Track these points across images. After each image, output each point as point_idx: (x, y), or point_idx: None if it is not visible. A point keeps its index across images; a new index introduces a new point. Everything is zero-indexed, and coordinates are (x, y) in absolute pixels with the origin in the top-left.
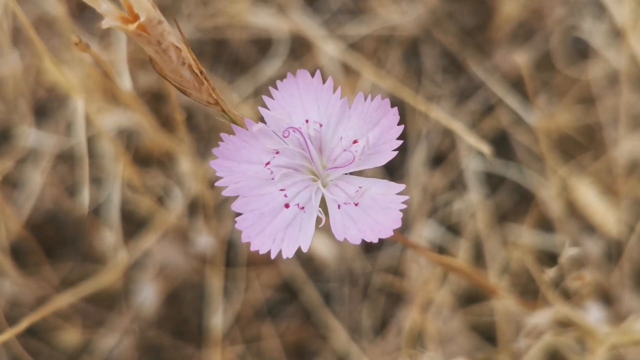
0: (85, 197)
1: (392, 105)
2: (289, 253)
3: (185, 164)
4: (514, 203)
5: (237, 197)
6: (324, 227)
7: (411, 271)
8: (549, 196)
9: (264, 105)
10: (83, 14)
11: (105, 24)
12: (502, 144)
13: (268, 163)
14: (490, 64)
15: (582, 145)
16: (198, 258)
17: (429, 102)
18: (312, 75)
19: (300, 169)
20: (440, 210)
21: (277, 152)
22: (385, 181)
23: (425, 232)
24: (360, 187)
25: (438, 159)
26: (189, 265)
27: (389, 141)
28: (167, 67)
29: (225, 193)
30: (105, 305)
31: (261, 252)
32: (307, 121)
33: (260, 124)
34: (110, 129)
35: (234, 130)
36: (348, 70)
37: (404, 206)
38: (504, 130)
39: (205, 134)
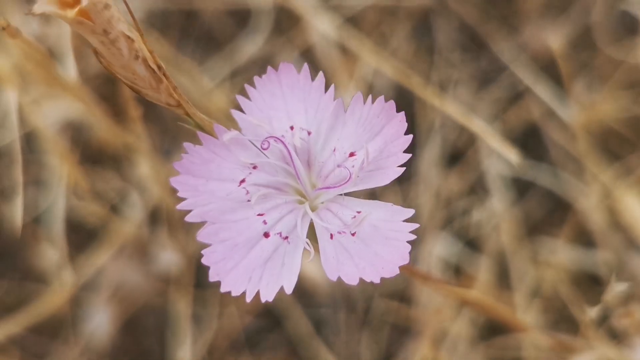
0: (18, 207)
1: (399, 101)
2: (268, 295)
3: (145, 165)
4: (546, 212)
5: (204, 223)
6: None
7: (421, 296)
8: (588, 206)
9: (238, 106)
10: None
11: (37, 8)
12: (532, 140)
13: (243, 181)
14: (518, 41)
15: (629, 141)
16: (161, 277)
17: (443, 89)
18: (298, 69)
19: (283, 188)
20: (456, 221)
21: (255, 167)
22: (389, 204)
23: (438, 248)
24: (358, 212)
25: (454, 158)
26: (149, 286)
27: (394, 154)
28: (117, 62)
29: (189, 218)
30: (48, 334)
31: (234, 294)
32: (292, 128)
33: (234, 132)
34: (53, 122)
35: (200, 139)
36: (344, 50)
37: (413, 237)
38: (534, 124)
39: (170, 126)
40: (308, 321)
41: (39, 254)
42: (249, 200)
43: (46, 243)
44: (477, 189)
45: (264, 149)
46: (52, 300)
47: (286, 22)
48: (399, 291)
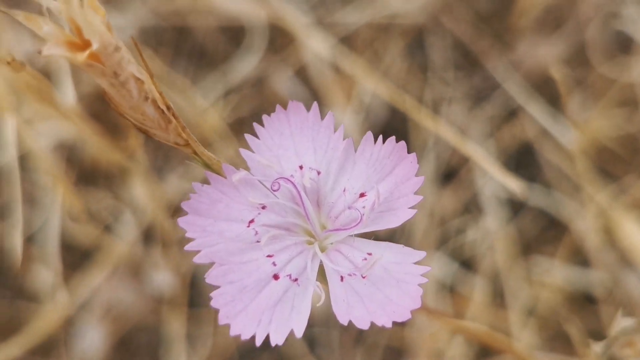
0: (17, 239)
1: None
2: (278, 339)
3: (139, 185)
4: (540, 230)
5: (212, 264)
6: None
7: (416, 317)
8: (583, 225)
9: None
10: None
11: (47, 51)
12: (525, 158)
13: (252, 221)
14: (511, 59)
15: (622, 159)
16: (154, 296)
17: (437, 107)
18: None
19: (292, 228)
20: (451, 241)
21: (264, 207)
22: (400, 246)
23: (433, 268)
24: (369, 254)
25: (448, 176)
26: (143, 304)
27: (405, 196)
28: (126, 103)
29: (197, 259)
30: (40, 353)
31: (243, 338)
32: (301, 167)
33: (242, 172)
34: (46, 141)
35: (208, 179)
36: (338, 69)
37: (425, 280)
38: (527, 142)
39: (162, 144)
40: (302, 340)
41: (30, 273)
42: (258, 241)
43: (39, 263)
44: (471, 208)
45: (274, 191)
46: (46, 320)
47: (280, 40)
48: None
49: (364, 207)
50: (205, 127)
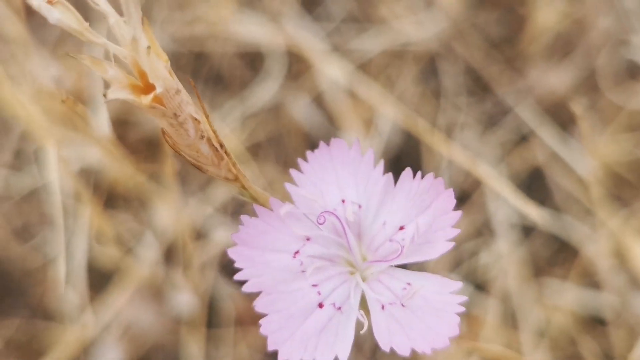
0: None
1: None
2: None
3: (164, 208)
4: (551, 252)
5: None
6: None
7: None
8: (594, 249)
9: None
10: (33, 17)
11: (111, 94)
12: (535, 183)
13: (297, 252)
14: (522, 84)
15: (631, 184)
16: (173, 317)
17: (450, 132)
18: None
19: (335, 259)
20: (465, 263)
21: (308, 239)
22: (438, 277)
23: None
24: (408, 284)
25: (460, 200)
26: (162, 325)
27: (442, 229)
28: (183, 142)
29: (246, 288)
30: None
31: None
32: (343, 201)
33: (289, 205)
34: (75, 166)
35: (256, 212)
36: (353, 94)
37: (462, 309)
38: (538, 167)
39: (181, 169)
40: None
41: (50, 290)
42: (303, 271)
43: (62, 284)
44: (484, 231)
45: (320, 224)
46: (67, 340)
47: (296, 65)
48: None
49: (403, 239)
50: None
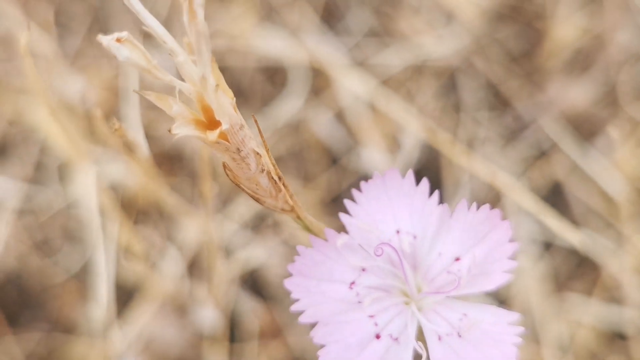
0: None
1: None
2: None
3: (189, 224)
4: (572, 267)
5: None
6: None
7: None
8: (616, 265)
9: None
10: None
11: (176, 129)
12: (555, 197)
13: (353, 283)
14: (542, 99)
15: None
16: (196, 331)
17: (470, 146)
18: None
19: (390, 289)
20: None
21: (364, 270)
22: (494, 307)
23: None
24: (464, 315)
25: None
26: (184, 339)
27: (498, 260)
28: (243, 175)
29: (302, 319)
30: None
31: None
32: (398, 232)
33: (345, 237)
34: (101, 181)
35: (311, 242)
36: (374, 108)
37: (519, 339)
38: (558, 181)
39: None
40: None
41: (70, 307)
42: (359, 302)
43: (87, 298)
44: None
45: (378, 255)
46: (92, 355)
47: (317, 80)
48: None
49: (459, 270)
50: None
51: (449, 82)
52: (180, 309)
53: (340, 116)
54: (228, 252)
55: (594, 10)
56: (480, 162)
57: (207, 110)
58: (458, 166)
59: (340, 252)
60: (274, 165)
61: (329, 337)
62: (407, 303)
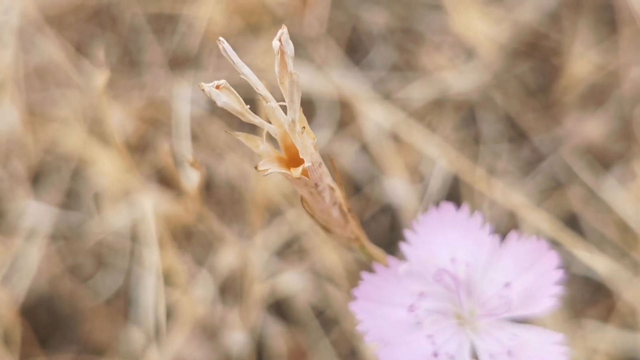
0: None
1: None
2: None
3: (227, 251)
4: (587, 293)
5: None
6: None
7: None
8: (635, 295)
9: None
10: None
11: (262, 166)
12: (570, 227)
13: (412, 306)
14: (558, 132)
15: None
16: (223, 354)
17: (490, 176)
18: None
19: (446, 312)
20: None
21: (422, 294)
22: (541, 329)
23: None
24: (514, 335)
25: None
26: None
27: (545, 286)
28: (318, 207)
29: (367, 339)
30: None
31: None
32: (452, 260)
33: (407, 264)
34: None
35: (374, 269)
36: (397, 139)
37: (566, 358)
38: (573, 212)
39: (226, 212)
40: None
41: (101, 330)
42: (418, 323)
43: (117, 322)
44: None
45: (437, 281)
46: None
47: (341, 112)
48: None
49: (509, 295)
50: (258, 196)
51: (468, 115)
52: (209, 332)
53: (364, 147)
54: (257, 276)
55: (609, 47)
56: (500, 191)
57: (289, 149)
58: (479, 194)
59: (400, 278)
60: (344, 199)
61: (392, 356)
62: (461, 324)
